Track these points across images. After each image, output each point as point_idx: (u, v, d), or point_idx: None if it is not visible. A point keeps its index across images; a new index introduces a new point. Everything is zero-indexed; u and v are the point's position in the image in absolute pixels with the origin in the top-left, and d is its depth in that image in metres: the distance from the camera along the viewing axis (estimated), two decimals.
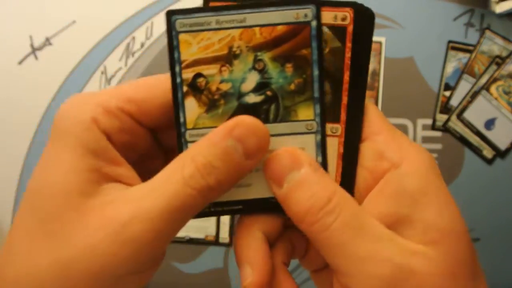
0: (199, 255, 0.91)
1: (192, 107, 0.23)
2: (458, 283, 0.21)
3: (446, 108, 0.88)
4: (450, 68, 0.87)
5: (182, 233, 0.90)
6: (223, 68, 0.23)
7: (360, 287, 0.21)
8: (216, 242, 0.91)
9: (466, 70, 0.87)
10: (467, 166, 0.89)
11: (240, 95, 0.23)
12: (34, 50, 0.86)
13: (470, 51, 0.86)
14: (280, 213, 0.23)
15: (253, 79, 0.23)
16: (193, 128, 0.23)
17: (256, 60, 0.23)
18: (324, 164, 0.24)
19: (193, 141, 0.23)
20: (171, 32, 0.23)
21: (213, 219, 0.90)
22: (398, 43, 0.87)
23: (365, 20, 0.23)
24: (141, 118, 0.23)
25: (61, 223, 0.20)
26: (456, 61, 0.87)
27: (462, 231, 0.21)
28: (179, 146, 0.23)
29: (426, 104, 0.88)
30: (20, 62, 0.87)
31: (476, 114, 0.87)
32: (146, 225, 0.20)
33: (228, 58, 0.23)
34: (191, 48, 0.23)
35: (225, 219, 0.91)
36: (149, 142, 0.25)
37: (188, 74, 0.23)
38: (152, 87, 0.23)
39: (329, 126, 0.24)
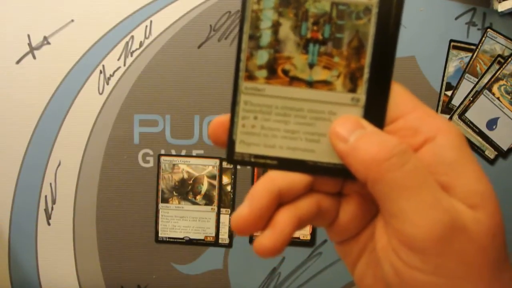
0: (198, 256, 0.90)
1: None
2: (497, 243, 0.22)
3: (447, 108, 0.88)
4: (451, 67, 0.86)
5: (181, 234, 0.89)
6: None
7: (420, 231, 0.21)
8: (215, 243, 0.90)
9: (468, 69, 0.86)
10: None
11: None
12: (32, 49, 0.86)
13: (472, 50, 0.85)
14: (310, 175, 0.25)
15: None
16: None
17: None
18: None
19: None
20: None
21: (212, 220, 0.90)
22: (399, 42, 0.86)
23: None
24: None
25: None
26: (457, 60, 0.86)
27: (496, 197, 0.23)
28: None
29: (428, 103, 0.88)
30: (18, 62, 0.86)
31: (478, 114, 0.86)
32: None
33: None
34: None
35: (225, 220, 0.90)
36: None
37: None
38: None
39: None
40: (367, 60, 0.25)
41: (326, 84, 0.25)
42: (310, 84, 0.25)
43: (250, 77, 0.25)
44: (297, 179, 0.25)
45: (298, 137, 0.25)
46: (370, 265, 0.26)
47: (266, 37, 0.25)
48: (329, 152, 0.25)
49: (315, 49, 0.25)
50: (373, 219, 0.26)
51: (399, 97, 0.25)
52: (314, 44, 0.24)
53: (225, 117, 0.26)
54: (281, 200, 0.25)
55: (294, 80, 0.25)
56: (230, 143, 0.26)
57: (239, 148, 0.26)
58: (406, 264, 0.22)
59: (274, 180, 0.24)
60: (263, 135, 0.25)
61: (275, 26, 0.25)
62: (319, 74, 0.25)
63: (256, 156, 0.25)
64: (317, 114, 0.25)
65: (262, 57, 0.25)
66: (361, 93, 0.25)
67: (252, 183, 0.87)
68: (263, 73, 0.25)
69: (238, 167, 0.86)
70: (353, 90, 0.25)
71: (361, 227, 0.26)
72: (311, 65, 0.25)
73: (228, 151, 0.26)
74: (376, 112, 0.25)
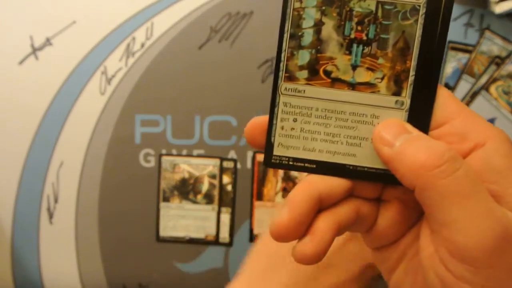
0: (199, 254, 0.91)
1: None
2: None
3: None
4: (449, 68, 0.87)
5: (182, 233, 0.90)
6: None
7: (472, 241, 0.21)
8: (216, 242, 0.91)
9: (465, 70, 0.87)
10: None
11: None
12: (34, 50, 0.87)
13: (469, 51, 0.86)
14: (350, 179, 0.24)
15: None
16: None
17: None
18: None
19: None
20: None
21: (213, 219, 0.90)
22: None
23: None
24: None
25: None
26: (455, 61, 0.87)
27: None
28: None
29: None
30: (21, 63, 0.87)
31: None
32: None
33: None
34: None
35: (225, 219, 0.91)
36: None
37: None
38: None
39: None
40: (413, 62, 0.24)
41: (369, 86, 0.24)
42: (353, 86, 0.24)
43: (290, 77, 0.24)
44: (337, 184, 0.24)
45: (339, 140, 0.24)
46: (409, 273, 0.25)
47: (308, 37, 0.24)
48: (371, 156, 0.24)
49: (358, 50, 0.24)
50: (413, 226, 0.26)
51: (445, 102, 0.24)
52: (358, 45, 0.24)
53: (263, 118, 0.25)
54: (320, 206, 0.24)
55: (336, 82, 0.24)
56: (268, 145, 0.25)
57: (277, 151, 0.25)
58: (455, 275, 0.21)
59: (314, 185, 0.24)
60: (302, 138, 0.25)
61: (318, 25, 0.24)
62: (363, 76, 0.24)
63: (295, 159, 0.25)
64: (359, 117, 0.24)
65: (303, 57, 0.24)
66: (406, 97, 0.24)
67: (252, 183, 0.88)
68: (304, 74, 0.24)
69: (239, 166, 0.87)
70: (397, 93, 0.24)
71: (400, 234, 0.26)
72: (354, 67, 0.24)
73: (266, 154, 0.25)
74: (421, 116, 0.24)
